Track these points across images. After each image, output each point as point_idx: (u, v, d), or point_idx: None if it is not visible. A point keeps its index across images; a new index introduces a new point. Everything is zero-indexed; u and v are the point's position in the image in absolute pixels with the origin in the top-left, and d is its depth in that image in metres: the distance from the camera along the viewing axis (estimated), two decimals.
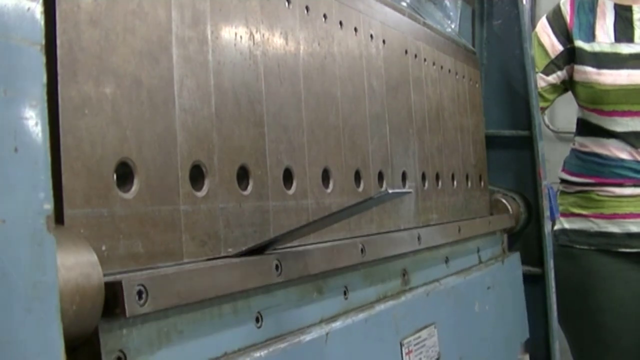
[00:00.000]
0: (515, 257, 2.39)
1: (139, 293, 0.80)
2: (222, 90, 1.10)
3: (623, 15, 2.48)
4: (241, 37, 1.15)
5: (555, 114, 3.81)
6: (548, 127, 3.71)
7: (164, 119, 0.98)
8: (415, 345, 1.43)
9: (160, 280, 0.84)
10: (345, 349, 1.20)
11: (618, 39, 2.45)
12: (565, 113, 3.79)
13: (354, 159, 1.47)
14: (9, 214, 0.58)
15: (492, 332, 1.98)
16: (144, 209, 0.94)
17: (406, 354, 1.39)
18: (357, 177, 1.49)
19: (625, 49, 2.46)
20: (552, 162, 3.58)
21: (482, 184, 2.32)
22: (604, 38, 2.48)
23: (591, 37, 2.50)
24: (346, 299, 1.27)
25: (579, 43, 2.53)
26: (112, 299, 0.78)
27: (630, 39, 2.47)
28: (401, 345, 1.38)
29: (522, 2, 2.45)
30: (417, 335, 1.44)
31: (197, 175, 1.04)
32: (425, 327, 1.49)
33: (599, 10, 2.50)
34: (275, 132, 1.22)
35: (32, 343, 0.59)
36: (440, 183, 1.93)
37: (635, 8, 2.46)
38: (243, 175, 1.14)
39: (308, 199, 1.29)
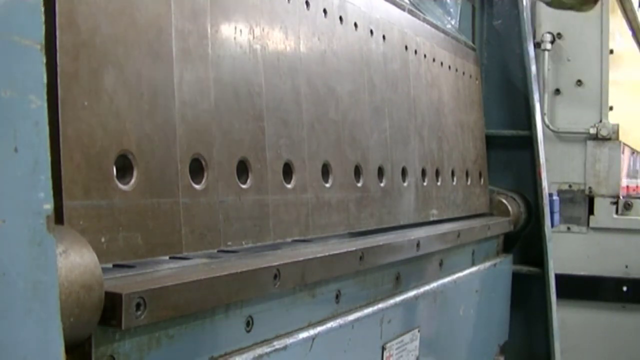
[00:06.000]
0: (508, 259, 2.37)
1: (137, 305, 0.78)
2: (221, 84, 1.10)
3: None
4: (241, 30, 1.15)
5: (555, 114, 3.81)
6: (548, 127, 3.70)
7: (163, 112, 0.98)
8: (396, 349, 1.43)
9: (160, 293, 0.83)
10: (328, 353, 1.20)
11: None
12: (565, 113, 3.78)
13: (354, 153, 1.47)
14: (9, 214, 0.57)
15: (473, 334, 1.97)
16: (143, 202, 0.94)
17: (386, 358, 1.39)
18: (357, 172, 1.49)
19: None
20: (552, 162, 3.58)
21: (482, 180, 2.32)
22: None
23: None
24: (337, 302, 1.27)
25: None
26: (110, 309, 0.77)
27: None
28: (383, 349, 1.38)
29: (522, 2, 2.45)
30: (399, 339, 1.44)
31: (196, 169, 1.04)
32: (409, 330, 1.49)
33: None
34: (275, 126, 1.21)
35: (32, 343, 0.59)
36: (440, 179, 1.93)
37: None
38: (243, 169, 1.14)
39: (308, 193, 1.29)
